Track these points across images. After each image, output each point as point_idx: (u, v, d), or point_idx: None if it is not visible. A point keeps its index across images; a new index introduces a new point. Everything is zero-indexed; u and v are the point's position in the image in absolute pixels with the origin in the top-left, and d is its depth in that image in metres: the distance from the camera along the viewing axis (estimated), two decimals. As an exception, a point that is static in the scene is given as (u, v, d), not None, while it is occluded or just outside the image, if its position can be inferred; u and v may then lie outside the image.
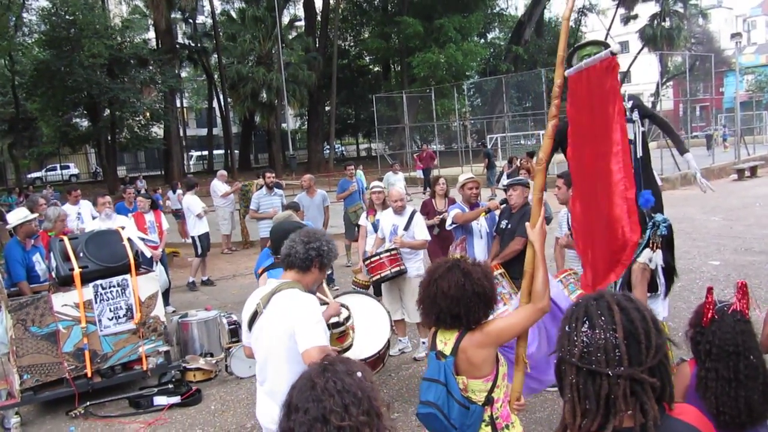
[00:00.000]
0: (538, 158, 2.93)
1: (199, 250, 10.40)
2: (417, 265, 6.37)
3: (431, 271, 2.76)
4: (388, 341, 4.54)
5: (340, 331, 3.15)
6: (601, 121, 2.79)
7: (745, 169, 22.12)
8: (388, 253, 6.21)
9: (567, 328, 1.60)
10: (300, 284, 3.08)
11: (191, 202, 10.62)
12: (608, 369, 1.50)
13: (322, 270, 3.17)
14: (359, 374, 1.55)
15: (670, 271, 3.96)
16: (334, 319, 3.34)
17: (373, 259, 6.28)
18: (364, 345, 3.86)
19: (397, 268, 6.17)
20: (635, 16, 39.52)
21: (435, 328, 2.79)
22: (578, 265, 5.02)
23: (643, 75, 46.34)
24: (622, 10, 40.48)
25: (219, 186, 13.45)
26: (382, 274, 6.18)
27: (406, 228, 6.36)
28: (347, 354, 3.31)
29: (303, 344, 2.84)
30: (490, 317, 2.72)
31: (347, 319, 3.32)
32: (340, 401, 1.47)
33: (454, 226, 6.42)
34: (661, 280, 3.81)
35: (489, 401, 2.66)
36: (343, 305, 3.49)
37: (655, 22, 42.78)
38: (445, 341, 2.70)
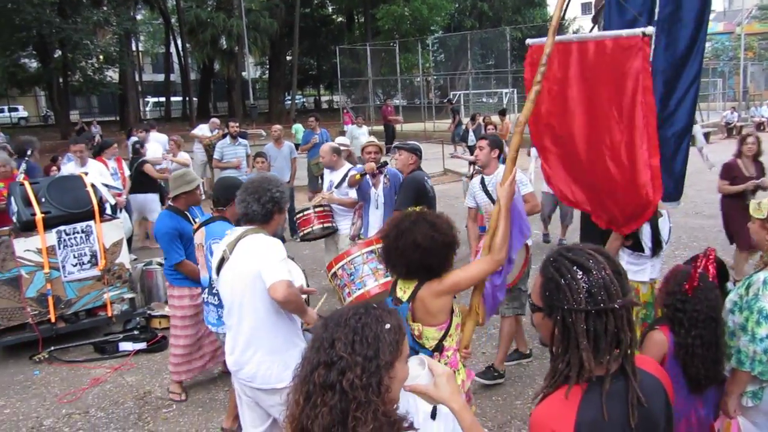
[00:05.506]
0: (518, 120, 2.98)
1: None
2: None
3: (395, 223, 2.78)
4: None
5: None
6: (616, 97, 2.96)
7: (698, 135, 22.76)
8: (318, 209, 6.04)
9: (563, 281, 1.61)
10: (264, 230, 3.19)
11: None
12: (612, 303, 1.57)
13: (281, 213, 3.29)
14: (387, 326, 1.59)
15: (656, 235, 4.03)
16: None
17: (301, 214, 6.15)
18: None
19: (321, 225, 6.01)
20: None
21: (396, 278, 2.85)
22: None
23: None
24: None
25: (203, 130, 13.26)
26: (305, 230, 6.08)
27: (338, 185, 6.14)
28: None
29: (269, 280, 2.95)
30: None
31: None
32: (351, 336, 1.55)
33: (351, 189, 6.06)
34: (647, 243, 3.90)
35: (439, 348, 2.77)
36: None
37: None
38: (405, 289, 2.78)
